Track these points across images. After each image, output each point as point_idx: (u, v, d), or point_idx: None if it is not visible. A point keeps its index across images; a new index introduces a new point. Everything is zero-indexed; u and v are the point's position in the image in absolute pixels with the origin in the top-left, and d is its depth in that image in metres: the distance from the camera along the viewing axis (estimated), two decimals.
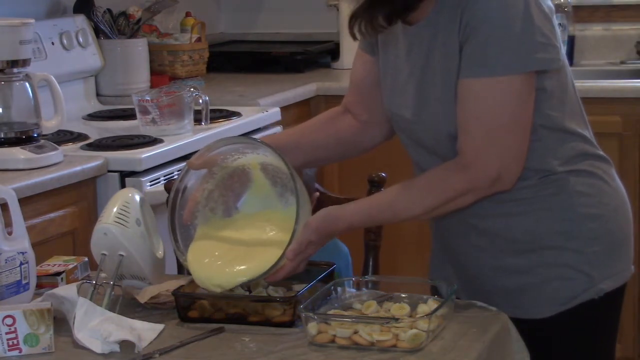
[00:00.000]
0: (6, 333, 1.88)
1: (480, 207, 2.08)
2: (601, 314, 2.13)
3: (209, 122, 3.43)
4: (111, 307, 1.99)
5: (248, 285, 2.05)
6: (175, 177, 3.11)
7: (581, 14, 4.55)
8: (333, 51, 4.70)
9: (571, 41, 4.48)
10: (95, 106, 3.86)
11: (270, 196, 2.09)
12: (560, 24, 4.37)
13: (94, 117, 3.71)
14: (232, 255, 2.04)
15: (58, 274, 2.20)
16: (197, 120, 3.40)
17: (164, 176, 3.10)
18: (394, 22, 2.02)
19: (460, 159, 2.01)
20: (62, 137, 3.24)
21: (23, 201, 2.39)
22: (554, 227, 2.08)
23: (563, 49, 2.05)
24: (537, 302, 2.10)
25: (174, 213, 2.09)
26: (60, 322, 1.96)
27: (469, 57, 1.98)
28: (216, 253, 2.04)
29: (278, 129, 3.69)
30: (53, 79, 3.10)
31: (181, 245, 2.07)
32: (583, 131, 2.12)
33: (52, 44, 3.65)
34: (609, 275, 2.10)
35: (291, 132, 2.33)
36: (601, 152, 2.15)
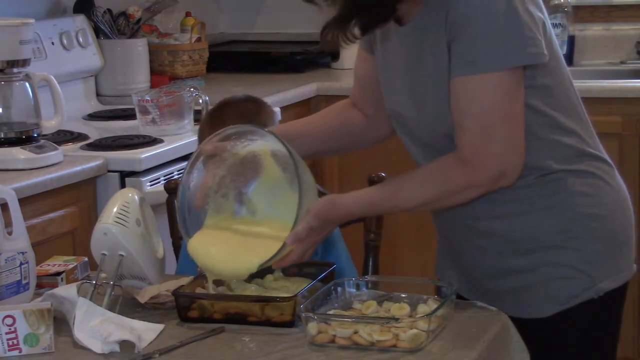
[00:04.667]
0: (6, 333, 1.88)
1: (478, 209, 2.09)
2: (601, 313, 2.12)
3: None
4: (111, 307, 1.99)
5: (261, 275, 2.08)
6: (175, 177, 3.12)
7: (581, 14, 4.55)
8: (333, 51, 4.69)
9: (571, 41, 4.47)
10: (95, 106, 3.86)
11: (281, 183, 2.09)
12: (560, 24, 4.37)
13: (94, 117, 3.72)
14: (239, 245, 2.05)
15: (58, 274, 2.20)
16: (197, 120, 3.39)
17: (164, 176, 3.10)
18: (368, 32, 2.01)
19: (459, 153, 2.00)
20: (62, 137, 3.24)
21: (23, 201, 2.39)
22: (554, 227, 2.08)
23: (561, 45, 2.06)
24: (538, 302, 2.10)
25: (184, 196, 2.09)
26: (60, 322, 1.96)
27: (457, 55, 1.98)
28: (223, 242, 2.06)
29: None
30: (53, 79, 3.10)
31: (189, 230, 2.08)
32: (580, 130, 2.12)
33: (52, 44, 3.65)
34: (609, 275, 2.10)
35: (302, 122, 2.34)
36: (601, 154, 2.14)
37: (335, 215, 2.05)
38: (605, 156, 2.15)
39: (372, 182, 2.51)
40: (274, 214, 2.08)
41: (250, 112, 2.40)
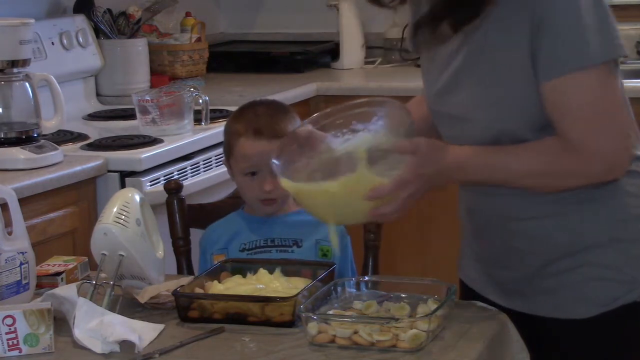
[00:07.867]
0: (6, 333, 1.88)
1: (523, 210, 2.04)
2: None
3: (209, 122, 3.43)
4: (111, 307, 1.99)
5: None
6: (175, 177, 3.12)
7: None
8: (333, 51, 4.70)
9: None
10: (95, 106, 3.87)
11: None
12: None
13: (94, 117, 3.72)
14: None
15: (58, 274, 2.20)
16: (197, 120, 3.40)
17: (164, 176, 3.10)
18: (459, 30, 1.96)
19: (568, 142, 1.94)
20: (62, 137, 3.25)
21: (23, 201, 2.39)
22: (601, 227, 2.03)
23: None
24: (577, 303, 2.05)
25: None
26: (60, 322, 1.96)
27: (549, 54, 1.92)
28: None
29: None
30: (53, 79, 3.10)
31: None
32: (631, 131, 2.06)
33: (52, 44, 3.65)
34: None
35: None
36: None
37: (440, 158, 1.94)
38: None
39: None
40: None
41: (280, 110, 2.44)
